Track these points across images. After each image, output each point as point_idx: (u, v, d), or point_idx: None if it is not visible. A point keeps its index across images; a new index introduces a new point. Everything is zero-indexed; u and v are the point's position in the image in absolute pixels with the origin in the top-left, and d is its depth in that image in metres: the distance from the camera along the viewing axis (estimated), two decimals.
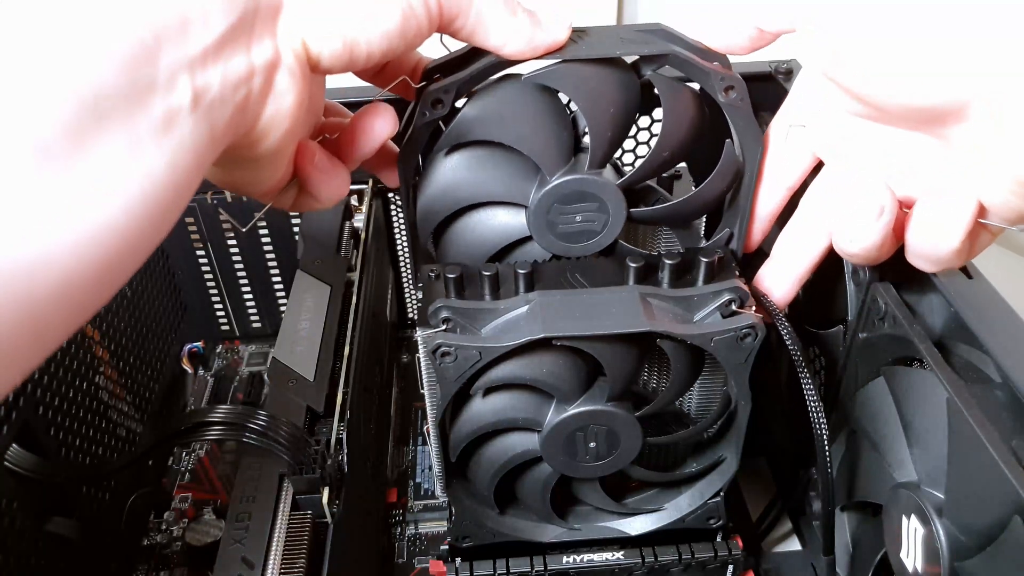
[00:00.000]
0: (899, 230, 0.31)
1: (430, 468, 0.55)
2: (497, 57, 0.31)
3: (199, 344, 0.61)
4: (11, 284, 0.19)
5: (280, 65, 0.26)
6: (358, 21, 0.27)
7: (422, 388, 0.36)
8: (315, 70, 0.28)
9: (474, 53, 0.33)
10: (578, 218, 0.35)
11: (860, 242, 0.31)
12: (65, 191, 0.20)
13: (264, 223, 0.58)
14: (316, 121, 0.33)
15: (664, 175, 0.41)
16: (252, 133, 0.27)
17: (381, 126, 0.33)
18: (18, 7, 0.21)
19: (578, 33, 0.33)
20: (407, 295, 0.63)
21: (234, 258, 0.59)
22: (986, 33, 0.27)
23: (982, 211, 0.29)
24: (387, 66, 0.34)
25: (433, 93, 0.32)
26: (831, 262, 0.40)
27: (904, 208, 0.31)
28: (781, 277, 0.37)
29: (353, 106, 0.36)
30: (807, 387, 0.35)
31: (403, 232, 0.59)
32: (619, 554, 0.42)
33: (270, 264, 0.60)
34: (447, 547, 0.42)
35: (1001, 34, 0.26)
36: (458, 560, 0.41)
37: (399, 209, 0.57)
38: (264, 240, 0.58)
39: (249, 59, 0.25)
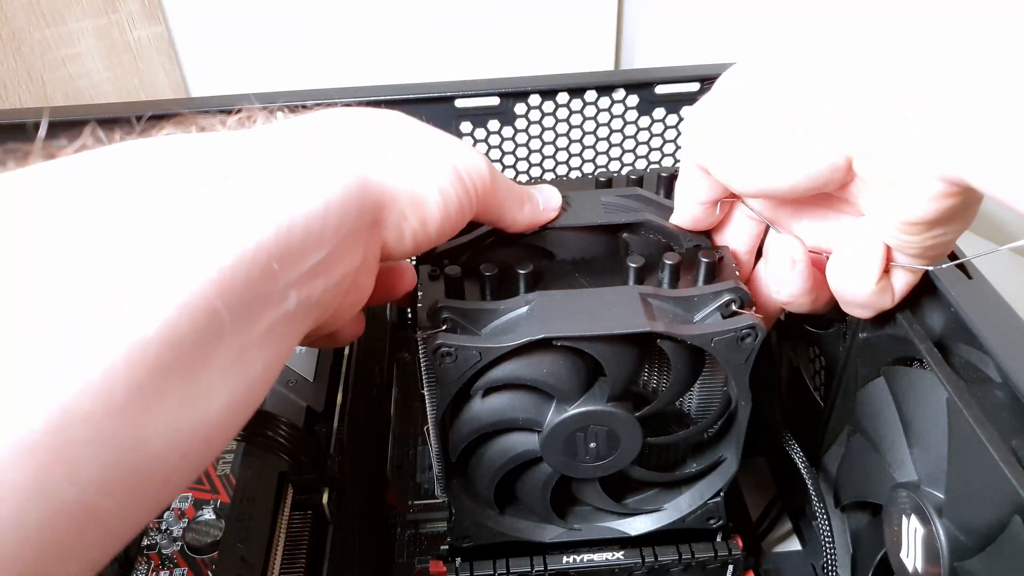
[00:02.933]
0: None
1: (430, 468, 0.55)
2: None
3: None
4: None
5: (366, 267, 0.29)
6: (433, 229, 0.30)
7: (422, 388, 0.36)
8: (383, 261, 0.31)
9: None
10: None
11: (783, 292, 0.34)
12: (178, 398, 0.20)
13: None
14: None
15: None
16: (327, 322, 0.29)
17: (404, 286, 0.37)
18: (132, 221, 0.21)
19: (564, 197, 0.38)
20: None
21: None
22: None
23: (891, 253, 0.30)
24: None
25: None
26: None
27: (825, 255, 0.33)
28: None
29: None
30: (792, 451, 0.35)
31: None
32: (619, 554, 0.42)
33: None
34: (447, 547, 0.42)
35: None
36: (458, 560, 0.41)
37: None
38: None
39: (346, 268, 0.27)
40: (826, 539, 0.41)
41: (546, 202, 0.37)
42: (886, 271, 0.32)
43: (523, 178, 0.57)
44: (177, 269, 0.20)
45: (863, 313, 0.34)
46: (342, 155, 0.27)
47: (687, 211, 0.36)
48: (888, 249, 0.31)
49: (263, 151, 0.25)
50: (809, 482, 0.40)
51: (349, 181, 0.26)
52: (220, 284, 0.21)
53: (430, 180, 0.30)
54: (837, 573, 0.41)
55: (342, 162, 0.27)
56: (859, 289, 0.32)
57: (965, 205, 0.27)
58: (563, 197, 0.38)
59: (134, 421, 0.19)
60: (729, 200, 0.36)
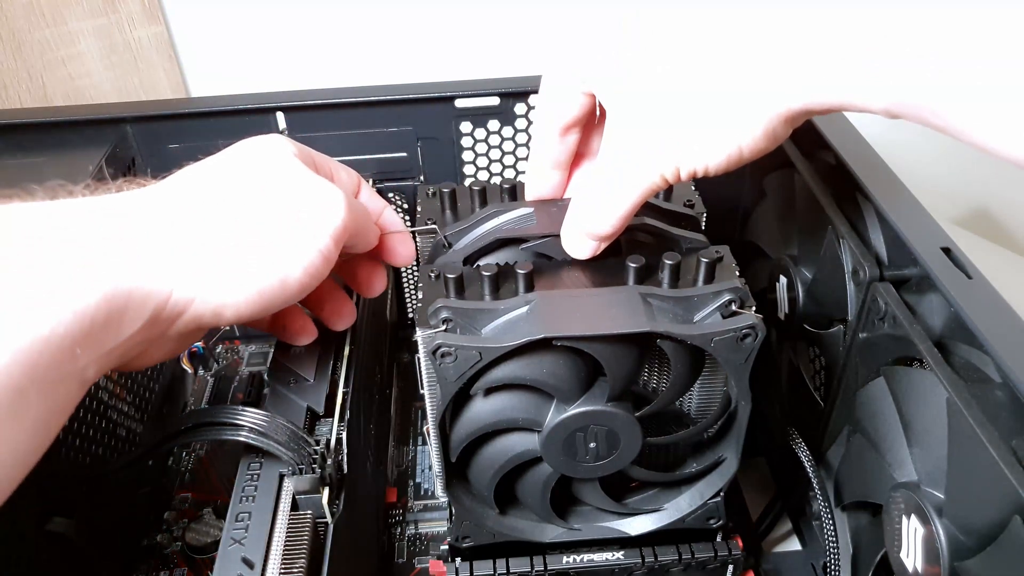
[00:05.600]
0: None
1: (430, 468, 0.55)
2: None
3: (199, 344, 0.61)
4: None
5: (168, 335, 0.30)
6: (260, 307, 0.32)
7: (422, 388, 0.36)
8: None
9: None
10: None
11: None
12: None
13: None
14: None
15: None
16: (129, 364, 0.32)
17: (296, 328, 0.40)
18: None
19: (562, 205, 0.38)
20: (407, 295, 0.63)
21: None
22: None
23: None
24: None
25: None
26: (832, 263, 0.40)
27: None
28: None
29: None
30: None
31: None
32: (619, 554, 0.42)
33: None
34: (447, 547, 0.42)
35: None
36: (458, 560, 0.41)
37: (399, 209, 0.57)
38: None
39: (145, 339, 0.29)
40: (830, 537, 0.41)
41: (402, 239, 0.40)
42: None
43: (523, 178, 0.57)
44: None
45: None
46: (153, 262, 0.28)
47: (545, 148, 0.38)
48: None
49: (82, 236, 0.27)
50: (814, 479, 0.40)
51: (154, 292, 0.28)
52: (24, 366, 0.24)
53: (264, 274, 0.31)
54: (840, 571, 0.41)
55: (148, 273, 0.28)
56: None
57: None
58: (560, 204, 0.39)
59: None
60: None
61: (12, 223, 0.27)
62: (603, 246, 0.36)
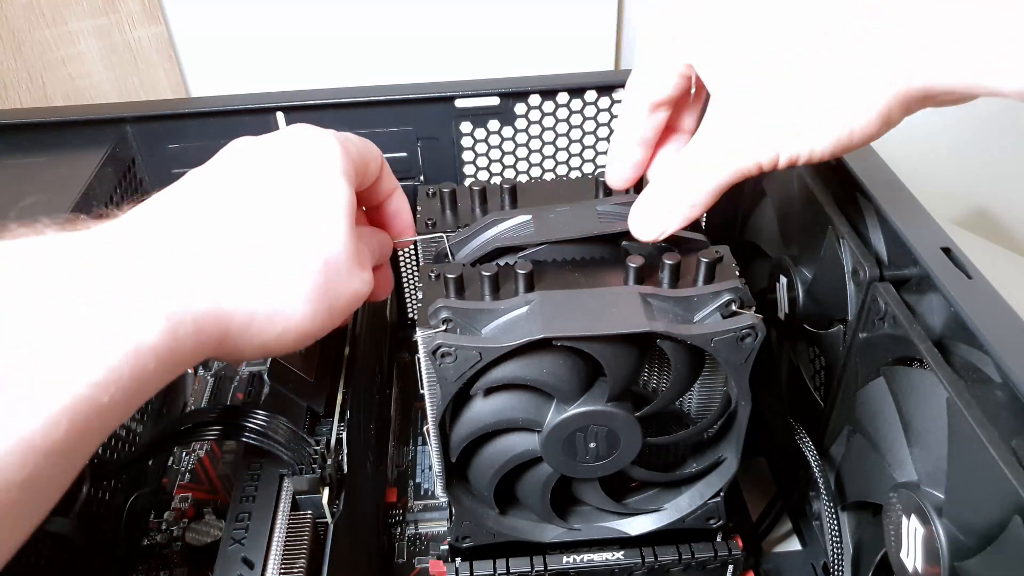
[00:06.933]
0: None
1: (430, 468, 0.55)
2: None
3: None
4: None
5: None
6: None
7: (422, 388, 0.36)
8: None
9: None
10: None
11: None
12: None
13: None
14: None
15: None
16: None
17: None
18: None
19: (560, 212, 0.38)
20: (407, 295, 0.63)
21: None
22: None
23: None
24: None
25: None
26: (832, 263, 0.40)
27: None
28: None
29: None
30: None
31: None
32: (619, 554, 0.42)
33: None
34: (447, 547, 0.42)
35: None
36: (458, 560, 0.41)
37: None
38: None
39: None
40: (833, 536, 0.41)
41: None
42: None
43: (523, 178, 0.57)
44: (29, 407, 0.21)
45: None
46: (180, 291, 0.26)
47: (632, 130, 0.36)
48: None
49: (84, 293, 0.24)
50: (819, 476, 0.40)
51: (182, 323, 0.25)
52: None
53: (289, 295, 0.29)
54: (843, 570, 0.41)
55: (176, 302, 0.26)
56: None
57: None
58: (558, 210, 0.39)
59: None
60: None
61: (39, 260, 0.24)
62: (671, 230, 0.34)
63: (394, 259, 0.61)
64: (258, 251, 0.29)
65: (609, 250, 0.39)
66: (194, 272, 0.27)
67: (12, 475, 0.21)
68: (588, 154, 0.55)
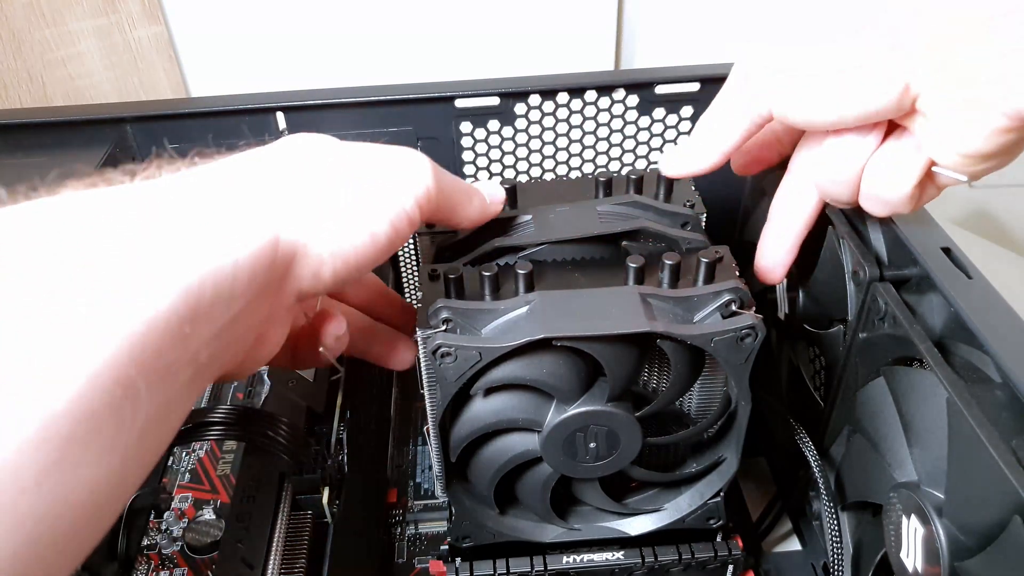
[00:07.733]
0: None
1: (430, 468, 0.55)
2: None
3: None
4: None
5: (275, 319, 0.29)
6: (354, 264, 0.29)
7: (422, 388, 0.36)
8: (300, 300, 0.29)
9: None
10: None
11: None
12: (92, 467, 0.20)
13: None
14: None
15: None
16: (232, 372, 0.29)
17: (334, 329, 0.34)
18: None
19: (560, 212, 0.39)
20: (407, 295, 0.63)
21: None
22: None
23: (931, 164, 0.32)
24: None
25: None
26: (832, 263, 0.40)
27: None
28: (781, 237, 0.40)
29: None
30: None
31: None
32: (619, 554, 0.42)
33: None
34: (447, 547, 0.42)
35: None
36: (458, 560, 0.41)
37: None
38: None
39: (254, 322, 0.27)
40: (833, 536, 0.41)
41: (492, 197, 0.38)
42: (924, 179, 0.32)
43: (523, 178, 0.57)
44: (87, 339, 0.19)
45: (879, 209, 0.34)
46: (254, 212, 0.26)
47: (712, 143, 0.37)
48: (930, 162, 0.31)
49: (170, 209, 0.24)
50: (819, 476, 0.40)
51: (260, 241, 0.25)
52: (131, 352, 0.20)
53: (359, 225, 0.29)
54: (843, 570, 0.41)
55: (253, 220, 0.26)
56: (893, 191, 0.33)
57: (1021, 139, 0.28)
58: (558, 210, 0.39)
59: (49, 495, 0.19)
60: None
61: (105, 205, 0.24)
62: (699, 169, 0.37)
63: (394, 259, 0.61)
64: (327, 193, 0.29)
65: (609, 250, 0.39)
66: (266, 204, 0.27)
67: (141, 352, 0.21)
68: (588, 154, 0.55)
